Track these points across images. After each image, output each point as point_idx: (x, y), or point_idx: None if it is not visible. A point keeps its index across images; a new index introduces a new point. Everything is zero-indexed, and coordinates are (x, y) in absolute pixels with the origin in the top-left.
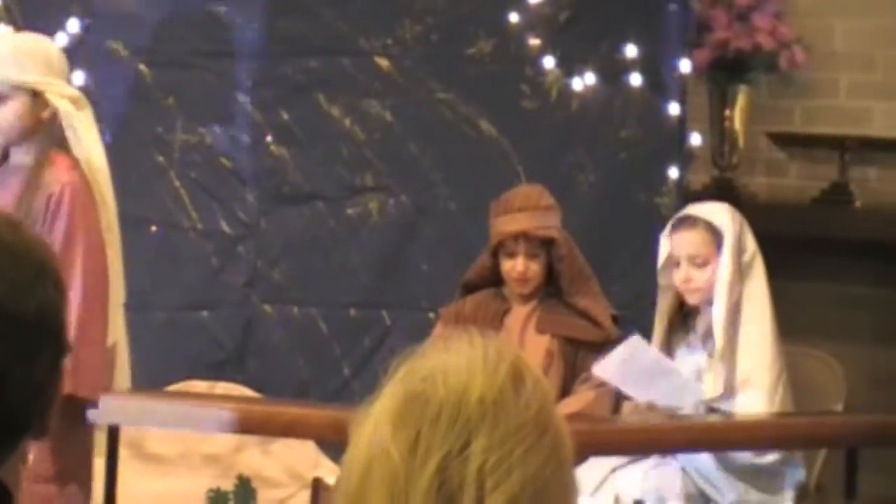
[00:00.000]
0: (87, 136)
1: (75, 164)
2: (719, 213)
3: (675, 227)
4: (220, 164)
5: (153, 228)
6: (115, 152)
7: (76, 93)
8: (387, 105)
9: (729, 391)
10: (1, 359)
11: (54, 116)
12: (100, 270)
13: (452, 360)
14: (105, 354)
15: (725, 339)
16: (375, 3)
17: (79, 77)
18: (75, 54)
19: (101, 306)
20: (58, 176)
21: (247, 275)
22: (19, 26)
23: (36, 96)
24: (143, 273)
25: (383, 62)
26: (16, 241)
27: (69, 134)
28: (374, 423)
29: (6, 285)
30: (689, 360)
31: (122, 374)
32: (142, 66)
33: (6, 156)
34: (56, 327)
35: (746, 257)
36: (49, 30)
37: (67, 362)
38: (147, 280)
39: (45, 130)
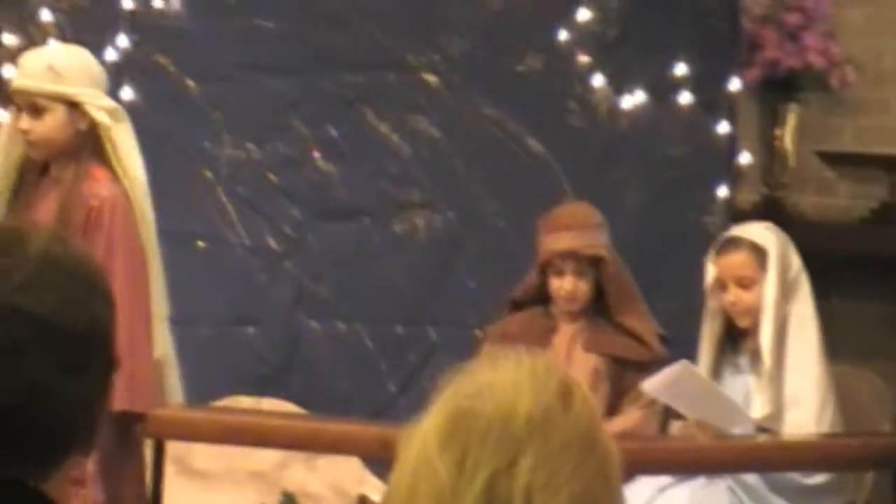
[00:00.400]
0: (125, 149)
1: (115, 177)
2: (763, 234)
3: (719, 250)
4: (266, 179)
5: (200, 243)
6: (161, 167)
7: (114, 105)
8: (434, 121)
9: (777, 411)
10: (50, 372)
11: (92, 129)
12: (141, 284)
13: (500, 377)
14: (153, 369)
15: (772, 359)
16: (423, 18)
17: (127, 92)
18: (123, 70)
19: (145, 320)
20: (98, 189)
21: (293, 290)
22: (69, 42)
23: (73, 108)
24: (189, 288)
25: (431, 78)
26: (66, 255)
27: (108, 147)
28: (421, 440)
29: (56, 299)
30: (737, 382)
31: (171, 389)
32: (189, 81)
33: (46, 169)
34: (105, 342)
35: (791, 276)
36: (98, 45)
37: (117, 378)
38: (194, 295)
39: (83, 143)
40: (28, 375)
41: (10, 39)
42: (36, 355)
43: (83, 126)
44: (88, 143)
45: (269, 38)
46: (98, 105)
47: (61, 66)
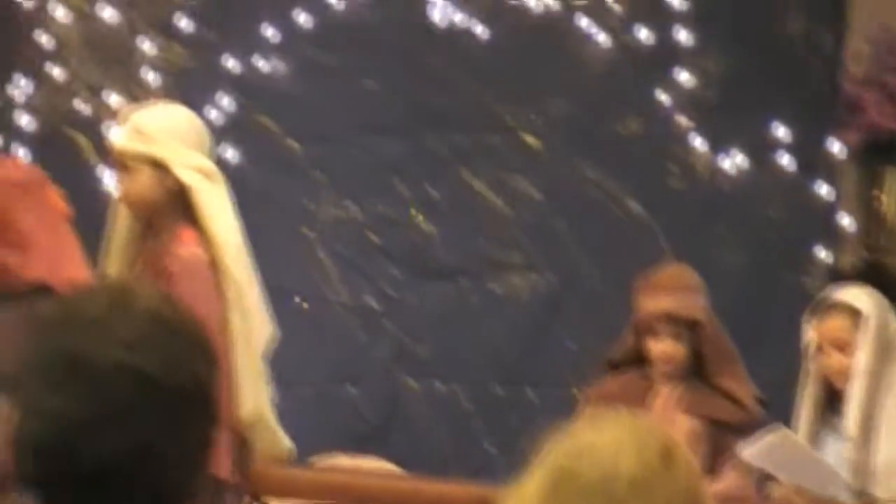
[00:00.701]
0: (214, 211)
1: (200, 238)
2: (861, 297)
3: (817, 313)
4: (367, 238)
5: (300, 302)
6: (263, 226)
7: (207, 165)
8: (534, 182)
9: (874, 475)
10: (153, 430)
11: (181, 189)
12: (219, 348)
13: (601, 437)
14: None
15: (862, 424)
16: (523, 79)
17: (230, 152)
18: (227, 130)
19: (222, 383)
20: (179, 251)
21: (392, 349)
22: (172, 102)
23: (161, 169)
24: (290, 346)
25: (531, 139)
26: (171, 315)
27: (196, 208)
28: (521, 501)
29: (161, 358)
30: (836, 445)
31: (273, 445)
32: (292, 142)
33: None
34: (208, 402)
35: (889, 341)
36: (202, 106)
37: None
38: (294, 353)
39: (172, 203)
40: (134, 434)
41: (115, 99)
42: (142, 414)
43: (171, 186)
44: (177, 204)
45: (372, 98)
46: (187, 165)
47: (148, 127)
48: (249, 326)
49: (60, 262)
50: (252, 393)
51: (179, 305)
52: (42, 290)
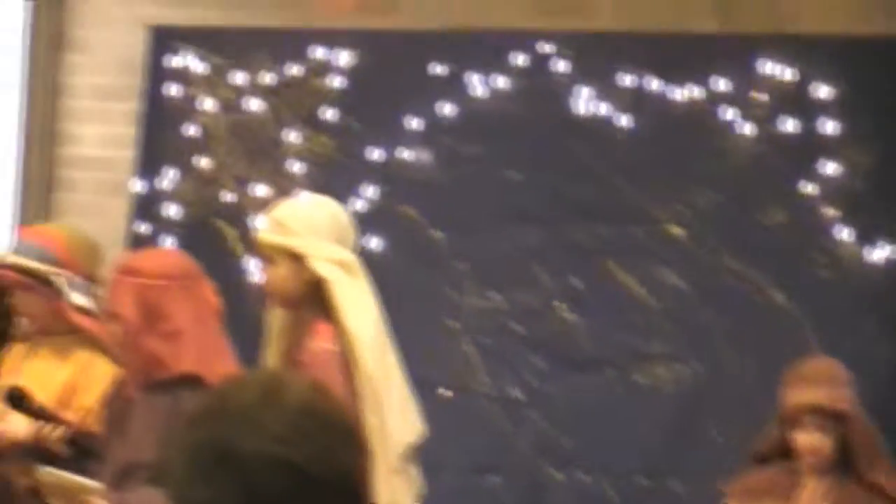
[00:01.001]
0: (350, 304)
1: (334, 333)
2: None
3: None
4: (510, 328)
5: (444, 392)
6: (406, 316)
7: (346, 257)
8: (679, 273)
9: None
10: None
11: (317, 281)
12: None
13: None
14: None
15: None
16: (669, 171)
17: (373, 242)
18: (372, 220)
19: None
20: (312, 344)
21: (536, 440)
22: (317, 192)
23: (298, 261)
24: (433, 436)
25: (676, 230)
26: (321, 406)
27: (331, 300)
28: None
29: (310, 450)
30: None
31: None
32: (435, 232)
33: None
34: (357, 494)
35: None
36: (345, 195)
37: None
38: (437, 442)
39: (309, 295)
40: None
41: (261, 190)
42: None
43: (309, 279)
44: (315, 297)
45: (515, 188)
46: (324, 258)
47: (288, 219)
48: (385, 422)
49: (210, 354)
50: (388, 486)
51: (330, 396)
52: (192, 381)
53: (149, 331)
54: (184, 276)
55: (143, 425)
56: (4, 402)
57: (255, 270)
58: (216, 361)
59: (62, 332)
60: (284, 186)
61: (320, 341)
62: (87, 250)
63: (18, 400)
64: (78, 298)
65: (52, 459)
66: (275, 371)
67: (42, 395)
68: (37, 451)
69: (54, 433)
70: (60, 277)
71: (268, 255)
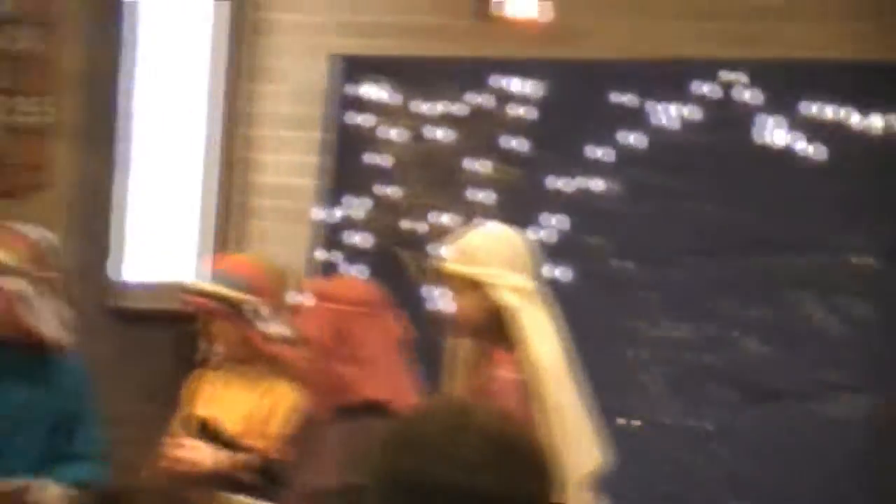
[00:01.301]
0: (533, 332)
1: (515, 362)
2: None
3: None
4: (696, 359)
5: (629, 423)
6: (592, 346)
7: (529, 286)
8: (866, 302)
9: None
10: None
11: (500, 311)
12: None
13: None
14: None
15: None
16: (856, 200)
17: (560, 272)
18: (558, 250)
19: None
20: (495, 374)
21: (722, 473)
22: (503, 221)
23: (483, 290)
24: (617, 467)
25: (862, 260)
26: (509, 435)
27: (514, 329)
28: None
29: (499, 479)
30: None
31: None
32: (622, 262)
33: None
34: None
35: None
36: (531, 225)
37: None
38: (622, 475)
39: (491, 324)
40: None
41: (445, 219)
42: None
43: (492, 308)
44: (499, 326)
45: (703, 219)
46: (507, 287)
47: (470, 248)
48: (563, 451)
49: (397, 382)
50: None
51: (518, 425)
52: (379, 408)
53: (338, 356)
54: (375, 303)
55: (330, 452)
56: (196, 434)
57: (436, 299)
58: (403, 389)
59: (254, 360)
60: (469, 215)
61: (503, 370)
62: (278, 278)
63: (210, 432)
64: (270, 327)
65: (241, 488)
66: (462, 400)
67: (232, 422)
68: (226, 480)
69: (243, 461)
70: (253, 306)
71: (452, 284)
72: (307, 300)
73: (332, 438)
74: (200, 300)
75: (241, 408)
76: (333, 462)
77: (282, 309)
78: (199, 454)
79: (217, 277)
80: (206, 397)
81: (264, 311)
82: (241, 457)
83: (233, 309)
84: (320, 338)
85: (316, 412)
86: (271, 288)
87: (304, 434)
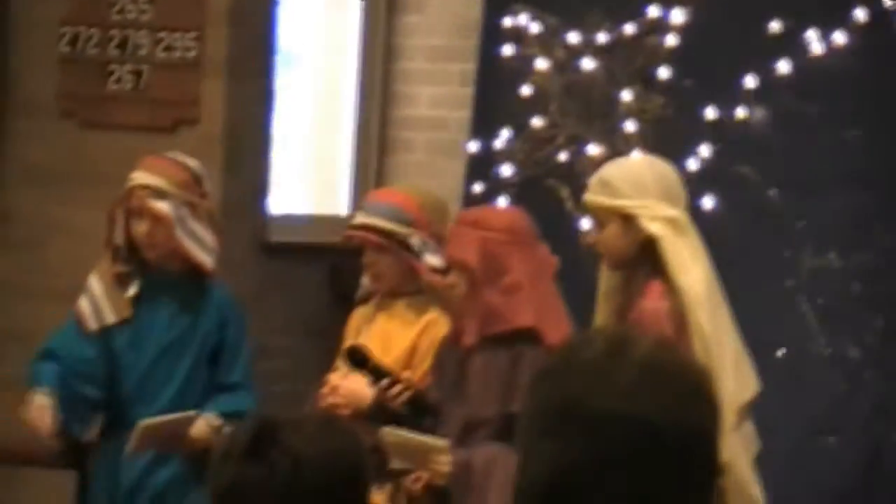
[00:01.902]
0: (680, 261)
1: (667, 291)
2: None
3: None
4: (848, 289)
5: (780, 353)
6: (742, 277)
7: (676, 215)
8: None
9: None
10: (649, 479)
11: (648, 240)
12: None
13: None
14: None
15: None
16: None
17: (707, 202)
18: (706, 180)
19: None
20: (643, 303)
21: (873, 401)
22: (649, 151)
23: (628, 221)
24: (768, 398)
25: None
26: (668, 361)
27: (664, 258)
28: None
29: (657, 406)
30: None
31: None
32: (771, 192)
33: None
34: (707, 450)
35: None
36: (680, 155)
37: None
38: (773, 405)
39: (640, 255)
40: (630, 482)
41: (594, 150)
42: (639, 462)
43: (639, 238)
44: (647, 256)
45: (855, 148)
46: (654, 217)
47: (615, 180)
48: (720, 379)
49: (546, 311)
50: (725, 444)
51: (676, 351)
52: (529, 336)
53: (489, 283)
54: (525, 232)
55: (483, 381)
56: (346, 362)
57: (587, 230)
58: (552, 318)
59: (412, 292)
60: (618, 146)
61: (652, 300)
62: (437, 211)
63: (360, 359)
64: (431, 259)
65: (390, 419)
66: (619, 328)
67: (387, 355)
68: (377, 412)
69: (395, 393)
70: (415, 238)
71: (597, 216)
72: (458, 228)
73: (484, 367)
74: (363, 234)
75: (398, 340)
76: (486, 391)
77: (441, 241)
78: (353, 384)
79: (379, 211)
80: (363, 330)
81: (425, 243)
82: (394, 387)
83: (397, 242)
84: (473, 263)
85: (462, 337)
86: (432, 220)
87: (452, 362)
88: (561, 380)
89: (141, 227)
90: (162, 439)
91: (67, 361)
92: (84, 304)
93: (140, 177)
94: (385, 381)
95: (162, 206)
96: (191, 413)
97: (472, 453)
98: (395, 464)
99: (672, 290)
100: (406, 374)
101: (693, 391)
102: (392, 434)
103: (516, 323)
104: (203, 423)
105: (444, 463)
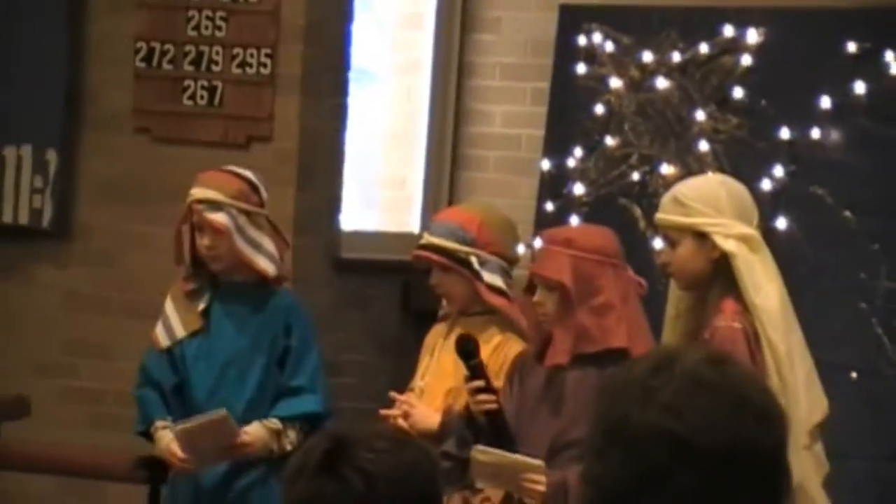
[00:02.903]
0: (754, 279)
1: (741, 309)
2: None
3: None
4: None
5: (854, 375)
6: (816, 297)
7: (750, 233)
8: None
9: None
10: (689, 495)
11: (723, 259)
12: None
13: None
14: None
15: None
16: None
17: (782, 222)
18: (781, 201)
19: None
20: (716, 321)
21: None
22: (724, 172)
23: (702, 239)
24: (842, 420)
25: None
26: (714, 374)
27: (738, 276)
28: None
29: (697, 419)
30: None
31: None
32: (846, 213)
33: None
34: (760, 465)
35: None
36: (754, 175)
37: None
38: (848, 428)
39: (715, 273)
40: (671, 498)
41: (668, 169)
42: (677, 477)
43: (714, 256)
44: (722, 274)
45: None
46: (728, 234)
47: (687, 198)
48: (792, 398)
49: (637, 331)
50: (796, 464)
51: (728, 366)
52: (620, 356)
53: (581, 303)
54: (615, 253)
55: (576, 400)
56: (456, 349)
57: (660, 250)
58: (642, 339)
59: (479, 312)
60: (691, 166)
61: (726, 319)
62: (502, 230)
63: (468, 351)
64: (492, 278)
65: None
66: (676, 345)
67: (459, 373)
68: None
69: (482, 399)
70: (474, 257)
71: (670, 235)
72: (548, 247)
73: (576, 387)
74: (426, 253)
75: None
76: (577, 412)
77: (509, 261)
78: (426, 412)
79: (441, 230)
80: (438, 348)
81: (487, 262)
82: (483, 396)
83: (454, 261)
84: (566, 284)
85: (555, 359)
86: (494, 239)
87: (535, 382)
88: (612, 399)
89: (204, 241)
90: (206, 443)
91: (166, 387)
92: (158, 327)
93: (196, 192)
94: (476, 383)
95: (218, 217)
96: (220, 411)
97: (566, 474)
98: (481, 483)
99: (746, 308)
100: (498, 384)
101: (737, 406)
102: (483, 452)
103: (609, 343)
104: (257, 426)
105: (540, 483)
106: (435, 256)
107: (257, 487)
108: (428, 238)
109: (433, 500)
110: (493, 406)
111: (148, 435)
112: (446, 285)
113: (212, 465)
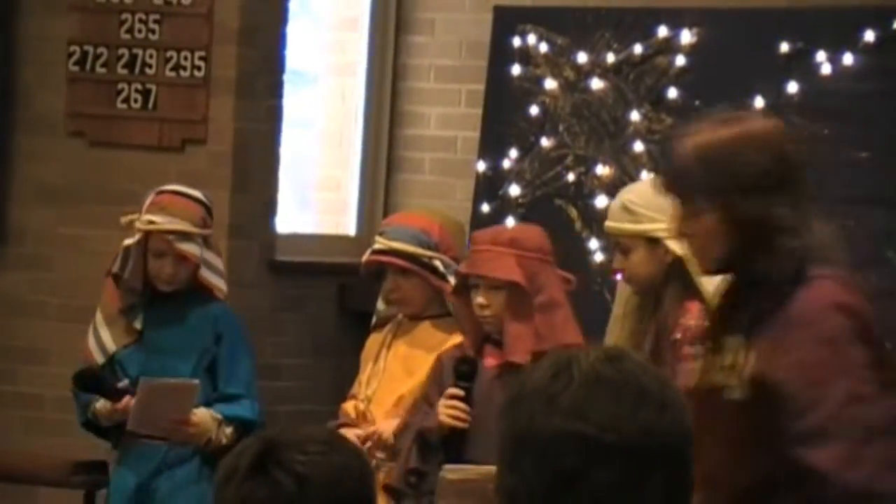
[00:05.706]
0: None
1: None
2: None
3: None
4: None
5: None
6: None
7: None
8: None
9: None
10: (604, 492)
11: (681, 261)
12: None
13: None
14: None
15: None
16: None
17: None
18: None
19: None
20: (688, 322)
21: None
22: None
23: (654, 244)
24: None
25: None
26: (613, 371)
27: (694, 278)
28: None
29: (600, 418)
30: None
31: None
32: None
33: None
34: (665, 450)
35: None
36: None
37: None
38: None
39: (670, 276)
40: (588, 499)
41: (603, 170)
42: (590, 477)
43: (667, 260)
44: (674, 276)
45: (865, 169)
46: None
47: (634, 205)
48: None
49: (575, 328)
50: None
51: (628, 361)
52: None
53: (531, 302)
54: (551, 251)
55: None
56: (456, 369)
57: (596, 250)
58: (568, 337)
59: (436, 315)
60: (627, 166)
61: (694, 318)
62: (458, 234)
63: (470, 373)
64: (452, 282)
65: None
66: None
67: (410, 378)
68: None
69: (455, 414)
70: (439, 261)
71: (621, 242)
72: (493, 248)
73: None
74: (387, 258)
75: (424, 365)
76: None
77: (459, 262)
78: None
79: (402, 235)
80: (382, 357)
81: (448, 265)
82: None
83: (422, 265)
84: (522, 283)
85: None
86: (456, 244)
87: (484, 383)
88: (516, 410)
89: (165, 268)
90: (162, 407)
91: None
92: (90, 341)
93: (162, 221)
94: (457, 392)
95: (190, 249)
96: (193, 381)
97: None
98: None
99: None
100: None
101: (638, 398)
102: (452, 471)
103: (565, 340)
104: (205, 412)
105: None
106: (399, 261)
107: (189, 486)
108: (386, 242)
109: (365, 502)
110: (464, 425)
111: (91, 425)
112: (405, 289)
113: (149, 433)
